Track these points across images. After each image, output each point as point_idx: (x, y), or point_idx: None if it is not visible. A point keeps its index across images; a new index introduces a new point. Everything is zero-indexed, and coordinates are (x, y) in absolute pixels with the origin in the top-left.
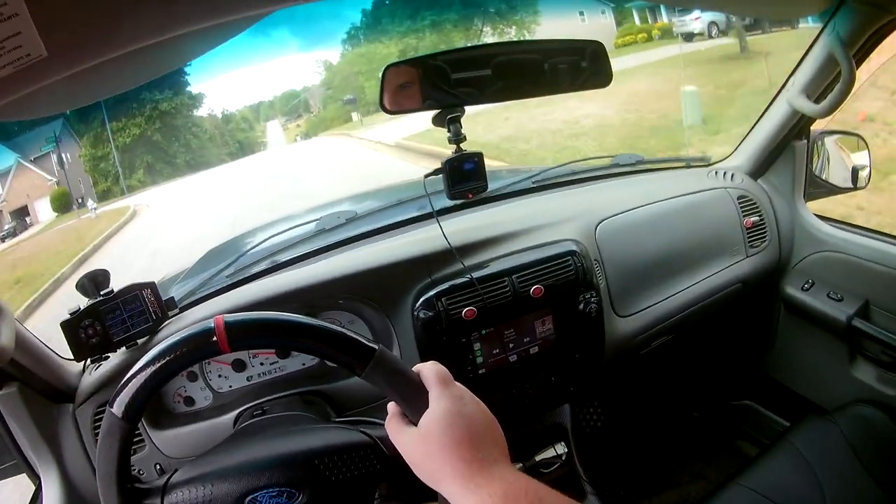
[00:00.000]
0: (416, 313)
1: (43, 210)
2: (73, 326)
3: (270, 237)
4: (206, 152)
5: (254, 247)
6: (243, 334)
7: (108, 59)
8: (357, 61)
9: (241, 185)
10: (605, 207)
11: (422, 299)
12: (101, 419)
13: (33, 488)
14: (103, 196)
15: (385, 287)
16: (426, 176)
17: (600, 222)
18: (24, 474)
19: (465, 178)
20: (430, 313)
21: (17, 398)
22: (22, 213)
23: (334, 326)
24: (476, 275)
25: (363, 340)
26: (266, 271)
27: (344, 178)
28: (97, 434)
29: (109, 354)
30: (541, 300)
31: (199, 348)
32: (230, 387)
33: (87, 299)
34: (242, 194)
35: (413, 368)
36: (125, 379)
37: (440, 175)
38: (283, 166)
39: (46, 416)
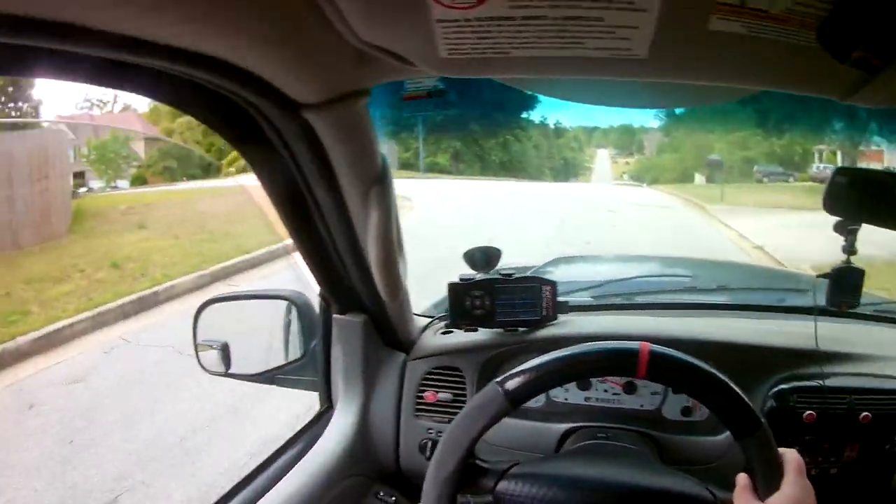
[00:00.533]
0: (767, 400)
1: None
2: (461, 291)
3: (642, 276)
4: (527, 159)
5: (624, 278)
6: (664, 368)
7: None
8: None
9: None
10: None
11: (777, 388)
12: (431, 378)
13: (312, 410)
14: (403, 166)
15: (752, 365)
16: (818, 276)
17: None
18: (315, 394)
19: (844, 290)
20: (778, 404)
21: (359, 328)
22: None
23: (737, 389)
24: (826, 383)
25: (755, 411)
26: (640, 306)
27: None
28: (420, 391)
29: (479, 328)
30: (865, 427)
31: (618, 364)
32: (565, 399)
33: (473, 270)
34: (555, 222)
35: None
36: (532, 364)
37: (826, 279)
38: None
39: (375, 355)
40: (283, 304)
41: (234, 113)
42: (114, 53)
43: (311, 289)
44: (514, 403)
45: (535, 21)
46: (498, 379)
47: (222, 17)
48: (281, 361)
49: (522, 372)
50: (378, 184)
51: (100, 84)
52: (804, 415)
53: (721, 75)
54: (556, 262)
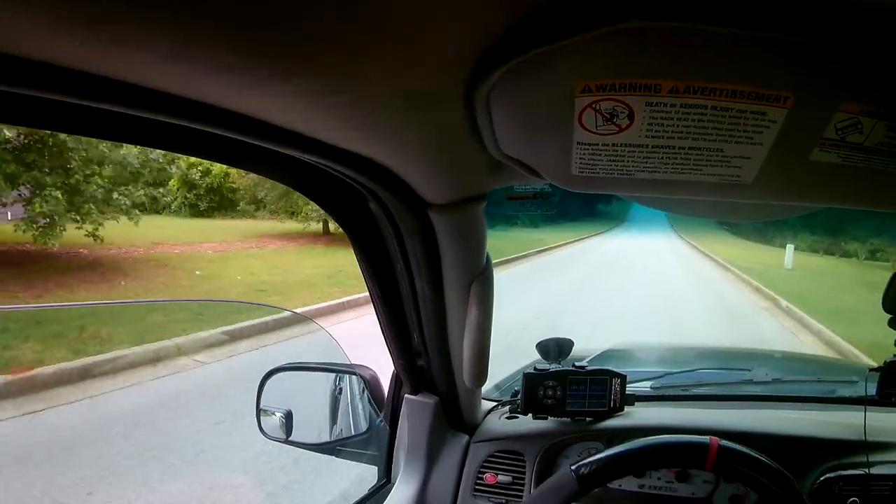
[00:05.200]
0: (813, 488)
1: None
2: (535, 381)
3: (701, 368)
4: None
5: (684, 371)
6: (731, 462)
7: None
8: None
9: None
10: None
11: (823, 478)
12: (493, 461)
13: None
14: None
15: (802, 455)
16: (870, 370)
17: None
18: (374, 467)
19: (894, 382)
20: (822, 492)
21: (428, 409)
22: None
23: (796, 484)
24: (872, 471)
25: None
26: (699, 397)
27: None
28: (481, 472)
29: (548, 416)
30: None
31: (687, 457)
32: (619, 486)
33: (544, 359)
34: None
35: None
36: (607, 453)
37: (878, 372)
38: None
39: (440, 434)
40: (351, 377)
41: (355, 205)
42: (283, 148)
43: None
44: (584, 487)
45: (663, 149)
46: (573, 465)
47: (386, 127)
48: (344, 433)
49: (598, 459)
50: (480, 279)
51: (237, 166)
52: (848, 501)
53: (813, 197)
54: (611, 351)
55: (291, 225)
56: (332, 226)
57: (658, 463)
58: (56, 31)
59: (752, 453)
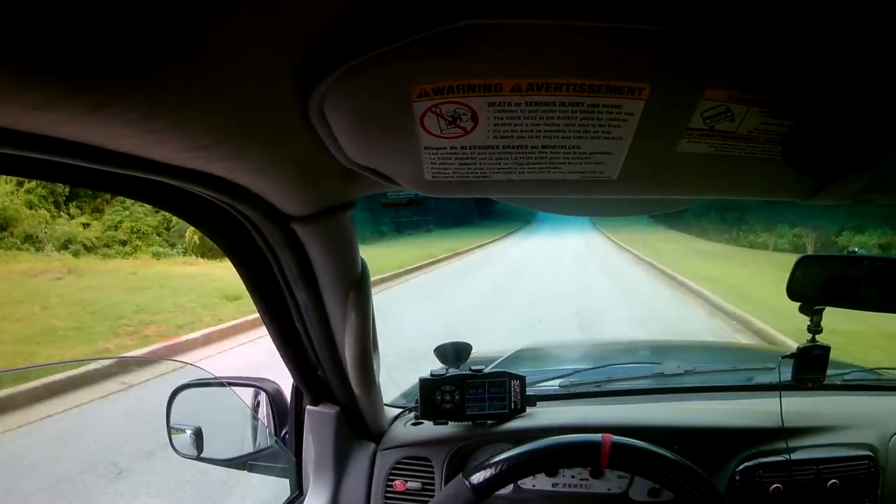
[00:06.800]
0: (734, 477)
1: None
2: (432, 386)
3: (610, 364)
4: None
5: (592, 367)
6: (626, 457)
7: None
8: None
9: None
10: None
11: (742, 466)
12: (401, 468)
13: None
14: None
15: (718, 446)
16: (783, 357)
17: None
18: (285, 480)
19: (809, 367)
20: (744, 481)
21: (330, 420)
22: None
23: (699, 471)
24: (793, 456)
25: (717, 491)
26: (608, 393)
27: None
28: (389, 481)
29: (448, 421)
30: (833, 493)
31: (581, 456)
32: (533, 486)
33: (442, 364)
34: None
35: None
36: (498, 458)
37: (791, 359)
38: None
39: (345, 444)
40: (255, 391)
41: (223, 220)
42: (123, 170)
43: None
44: (479, 496)
45: (515, 149)
46: (465, 472)
47: (226, 146)
48: (253, 448)
49: (488, 465)
50: (357, 287)
51: (97, 189)
52: (770, 488)
53: (687, 190)
54: (523, 351)
55: None
56: None
57: (552, 464)
58: None
59: (648, 447)
